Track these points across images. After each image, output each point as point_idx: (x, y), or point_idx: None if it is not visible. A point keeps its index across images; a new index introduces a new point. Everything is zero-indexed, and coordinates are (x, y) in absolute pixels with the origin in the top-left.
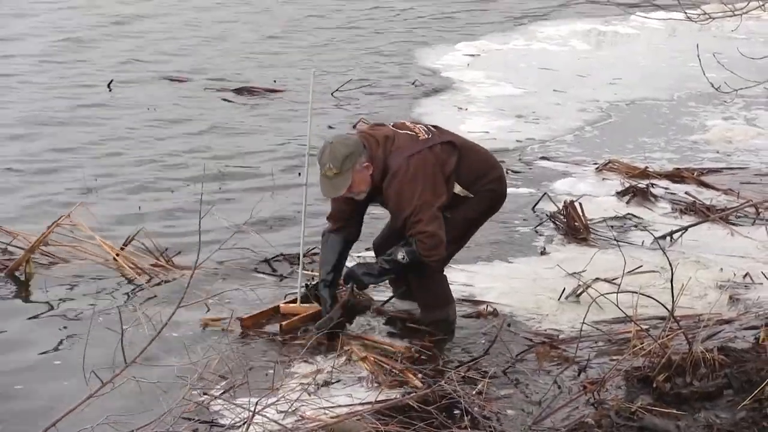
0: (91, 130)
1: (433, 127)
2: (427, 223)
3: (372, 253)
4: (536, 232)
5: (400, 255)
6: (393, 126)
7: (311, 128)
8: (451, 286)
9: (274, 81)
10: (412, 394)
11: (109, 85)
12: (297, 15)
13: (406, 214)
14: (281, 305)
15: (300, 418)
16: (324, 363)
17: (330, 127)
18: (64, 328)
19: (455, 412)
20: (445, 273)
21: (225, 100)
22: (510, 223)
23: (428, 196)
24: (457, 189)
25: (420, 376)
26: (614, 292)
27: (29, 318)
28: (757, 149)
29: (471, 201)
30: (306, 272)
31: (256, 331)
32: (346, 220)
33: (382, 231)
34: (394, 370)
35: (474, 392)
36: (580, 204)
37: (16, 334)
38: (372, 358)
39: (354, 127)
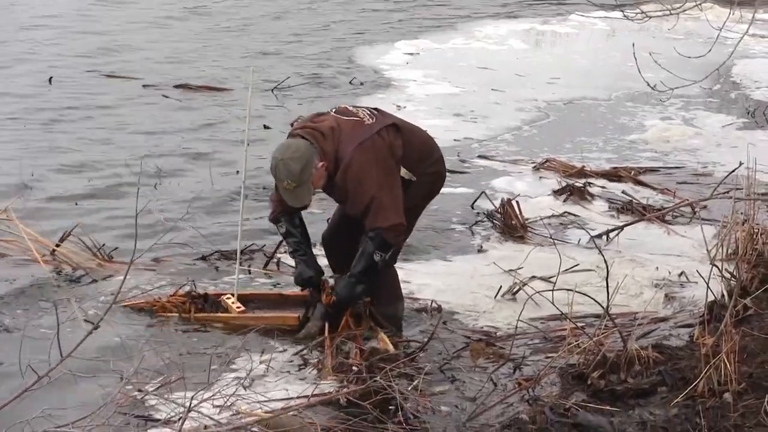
0: (30, 124)
1: (375, 109)
2: (390, 211)
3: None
4: (473, 230)
5: (377, 257)
6: (335, 112)
7: (249, 125)
8: None
9: (216, 77)
10: (346, 389)
11: (50, 80)
12: (236, 15)
13: (366, 202)
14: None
15: (236, 413)
16: (261, 356)
17: (266, 127)
18: (0, 323)
19: (390, 407)
20: (396, 269)
21: (165, 96)
22: (447, 222)
23: (384, 182)
24: (402, 171)
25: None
26: (550, 290)
27: None
28: (694, 149)
29: (414, 188)
30: (242, 267)
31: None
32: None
33: (329, 224)
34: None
35: (409, 388)
36: (518, 202)
37: None
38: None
39: (291, 125)
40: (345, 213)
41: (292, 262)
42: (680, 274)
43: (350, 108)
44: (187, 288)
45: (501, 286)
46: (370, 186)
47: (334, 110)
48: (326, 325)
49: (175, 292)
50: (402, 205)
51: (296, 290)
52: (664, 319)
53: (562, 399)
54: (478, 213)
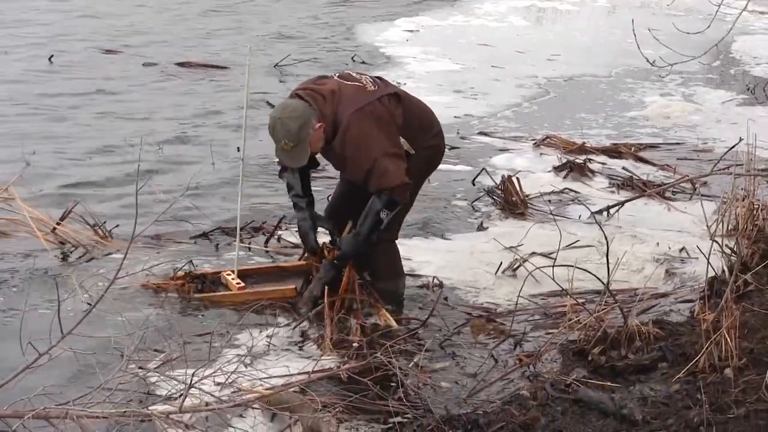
0: (31, 102)
1: (378, 78)
2: (394, 173)
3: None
4: (474, 206)
5: (383, 215)
6: (338, 77)
7: (248, 103)
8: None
9: (217, 56)
10: (347, 366)
11: (50, 59)
12: None
13: (367, 167)
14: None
15: (237, 389)
16: (261, 333)
17: (268, 104)
18: (1, 299)
19: (390, 383)
20: (397, 245)
21: (167, 75)
22: (448, 198)
23: (387, 144)
24: (401, 142)
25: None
26: (551, 266)
27: None
28: (694, 125)
29: (412, 162)
30: (242, 245)
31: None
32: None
33: (331, 200)
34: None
35: (410, 364)
36: (518, 179)
37: None
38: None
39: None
40: (344, 191)
41: (292, 238)
42: (681, 250)
43: (354, 74)
44: (186, 268)
45: (501, 263)
46: (370, 151)
47: (337, 75)
48: (326, 289)
49: (174, 275)
50: (404, 165)
51: (293, 261)
52: (664, 295)
53: (562, 375)
54: (478, 190)
